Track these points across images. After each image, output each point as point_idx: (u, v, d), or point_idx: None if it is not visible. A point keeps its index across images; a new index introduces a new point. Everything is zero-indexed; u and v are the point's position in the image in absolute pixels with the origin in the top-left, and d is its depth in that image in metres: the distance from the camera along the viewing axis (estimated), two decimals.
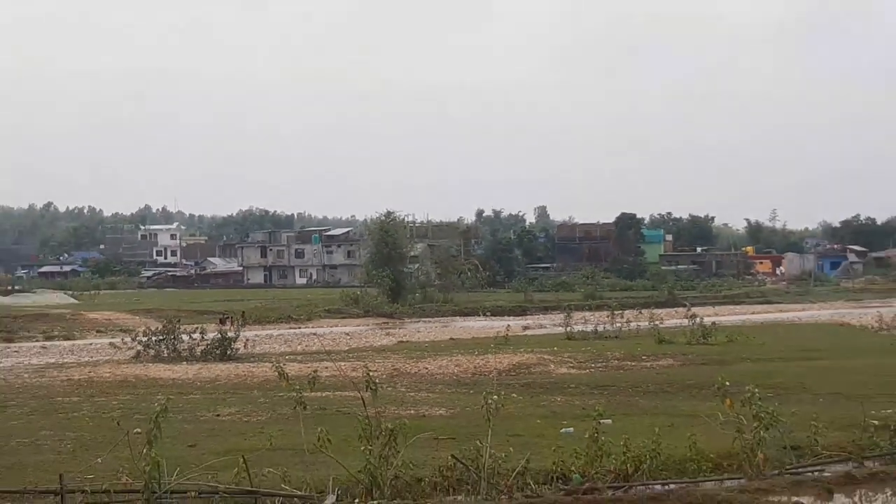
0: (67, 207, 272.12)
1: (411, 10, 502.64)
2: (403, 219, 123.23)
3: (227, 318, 60.80)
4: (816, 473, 16.90)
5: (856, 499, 15.25)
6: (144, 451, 15.08)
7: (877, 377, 29.86)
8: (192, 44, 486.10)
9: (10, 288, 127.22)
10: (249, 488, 15.63)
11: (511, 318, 77.61)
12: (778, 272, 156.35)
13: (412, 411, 23.86)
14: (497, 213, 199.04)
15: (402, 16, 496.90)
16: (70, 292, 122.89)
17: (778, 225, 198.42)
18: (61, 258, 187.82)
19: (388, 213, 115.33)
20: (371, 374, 21.69)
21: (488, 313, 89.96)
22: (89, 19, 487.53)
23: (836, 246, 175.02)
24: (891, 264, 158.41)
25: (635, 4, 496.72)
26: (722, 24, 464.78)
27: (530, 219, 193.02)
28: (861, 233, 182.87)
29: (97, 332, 70.90)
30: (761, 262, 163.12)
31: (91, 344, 61.61)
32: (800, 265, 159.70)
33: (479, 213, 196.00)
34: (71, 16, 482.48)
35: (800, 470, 17.27)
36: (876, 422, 19.86)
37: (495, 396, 18.77)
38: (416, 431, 19.31)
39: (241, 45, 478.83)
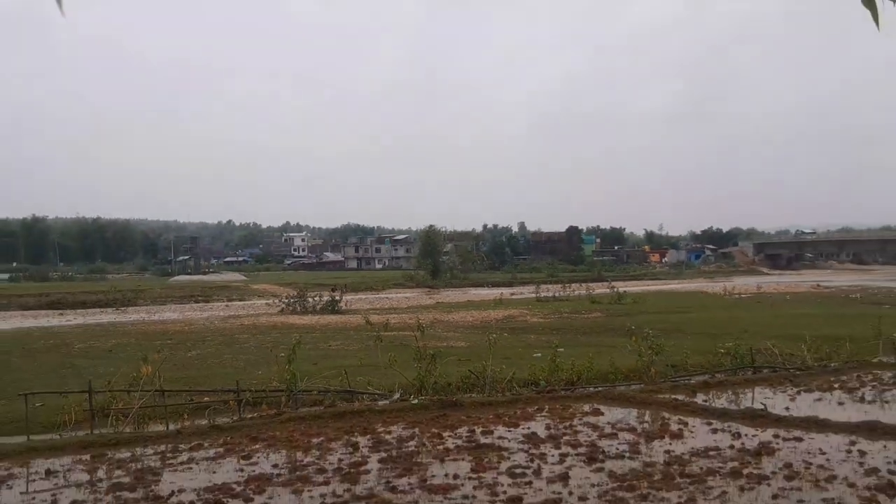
0: (241, 223, 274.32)
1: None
2: (438, 229, 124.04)
3: (335, 288, 60.88)
4: (686, 381, 16.85)
5: (709, 395, 15.19)
6: (286, 367, 15.18)
7: (722, 323, 29.82)
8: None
9: (206, 271, 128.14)
10: (349, 388, 15.69)
11: (503, 288, 77.43)
12: (663, 261, 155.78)
13: (445, 344, 23.89)
14: (495, 226, 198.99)
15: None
16: (242, 273, 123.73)
17: (664, 232, 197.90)
18: (237, 253, 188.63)
19: (430, 227, 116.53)
20: (420, 321, 21.75)
21: (490, 285, 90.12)
22: None
23: (698, 245, 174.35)
24: (731, 256, 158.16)
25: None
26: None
27: (515, 229, 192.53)
28: (713, 237, 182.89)
29: (258, 296, 71.22)
30: (654, 255, 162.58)
31: (255, 303, 61.88)
32: (677, 257, 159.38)
33: (485, 226, 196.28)
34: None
35: (676, 379, 17.24)
36: (722, 350, 19.81)
37: (494, 335, 18.81)
38: (447, 356, 19.37)
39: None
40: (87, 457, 11.00)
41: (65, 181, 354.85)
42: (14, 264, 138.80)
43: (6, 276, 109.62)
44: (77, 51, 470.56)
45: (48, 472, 10.14)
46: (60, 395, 14.48)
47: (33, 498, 8.99)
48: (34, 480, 9.86)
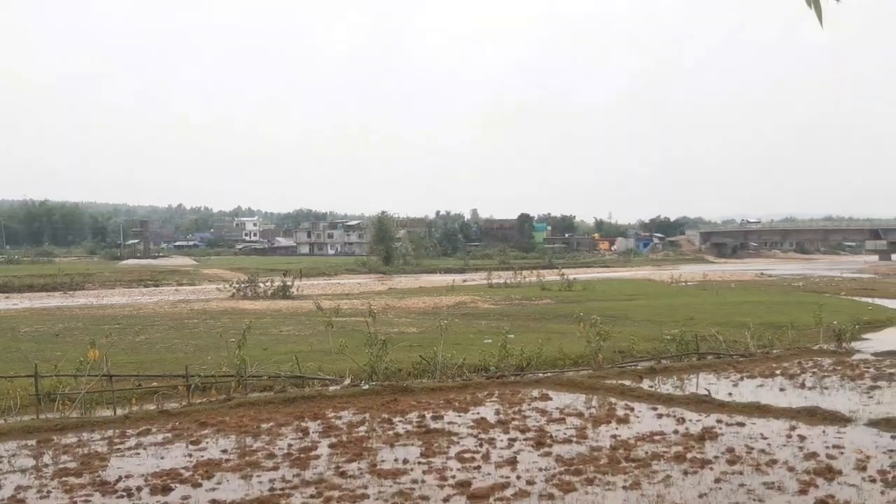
0: (192, 206, 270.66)
1: None
2: (391, 216, 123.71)
3: (287, 273, 60.32)
4: (633, 367, 17.04)
5: (655, 381, 15.39)
6: (236, 352, 15.05)
7: (668, 311, 30.16)
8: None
9: (156, 255, 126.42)
10: (299, 374, 15.60)
11: (456, 275, 77.44)
12: (613, 249, 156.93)
13: (396, 330, 23.84)
14: (448, 213, 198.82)
15: None
16: (193, 257, 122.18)
17: (613, 221, 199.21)
18: (188, 237, 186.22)
19: (383, 212, 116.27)
20: (371, 307, 21.69)
21: (442, 272, 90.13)
22: None
23: (646, 234, 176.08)
24: (678, 245, 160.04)
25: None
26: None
27: (467, 216, 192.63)
28: (661, 226, 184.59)
29: (209, 281, 70.34)
30: (603, 243, 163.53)
31: (205, 288, 61.17)
32: (625, 244, 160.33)
33: (437, 213, 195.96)
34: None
35: (623, 365, 17.42)
36: (668, 336, 20.09)
37: (445, 321, 18.87)
38: (398, 341, 19.38)
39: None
40: (33, 442, 10.81)
41: (10, 163, 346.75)
42: None
43: None
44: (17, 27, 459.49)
45: None
46: (6, 379, 14.19)
47: None
48: None
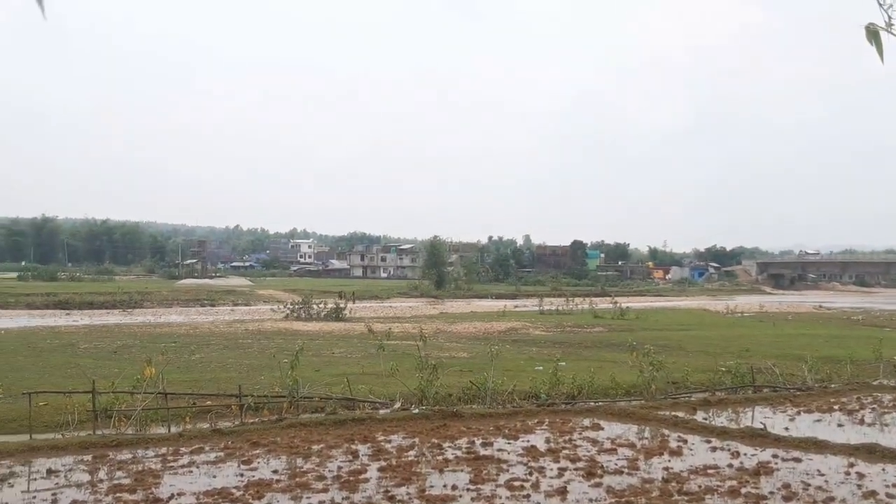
0: (248, 228, 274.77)
1: None
2: (444, 240, 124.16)
3: (342, 295, 60.79)
4: (687, 398, 16.78)
5: (709, 413, 15.13)
6: (289, 373, 15.17)
7: (723, 342, 29.71)
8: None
9: (213, 275, 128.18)
10: (350, 396, 15.66)
11: (507, 300, 77.29)
12: (667, 278, 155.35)
13: (447, 354, 23.83)
14: (500, 238, 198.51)
15: None
16: (248, 278, 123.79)
17: (667, 249, 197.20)
18: (244, 258, 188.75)
19: (435, 237, 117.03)
20: (423, 331, 21.75)
21: (493, 297, 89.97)
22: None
23: (701, 263, 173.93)
24: (734, 275, 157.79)
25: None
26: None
27: (519, 241, 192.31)
28: (717, 255, 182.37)
29: (263, 302, 71.09)
30: (657, 271, 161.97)
31: (260, 308, 61.83)
32: (680, 273, 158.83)
33: (490, 238, 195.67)
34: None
35: (677, 396, 17.18)
36: (723, 368, 19.75)
37: (496, 347, 18.79)
38: (449, 366, 19.37)
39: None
40: (89, 457, 10.98)
41: (75, 182, 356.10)
42: (23, 263, 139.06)
43: (14, 274, 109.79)
44: (85, 53, 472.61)
45: (49, 472, 10.12)
46: (64, 394, 14.47)
47: (34, 497, 8.98)
48: (35, 479, 9.84)
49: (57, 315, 52.46)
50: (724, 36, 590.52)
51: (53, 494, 9.03)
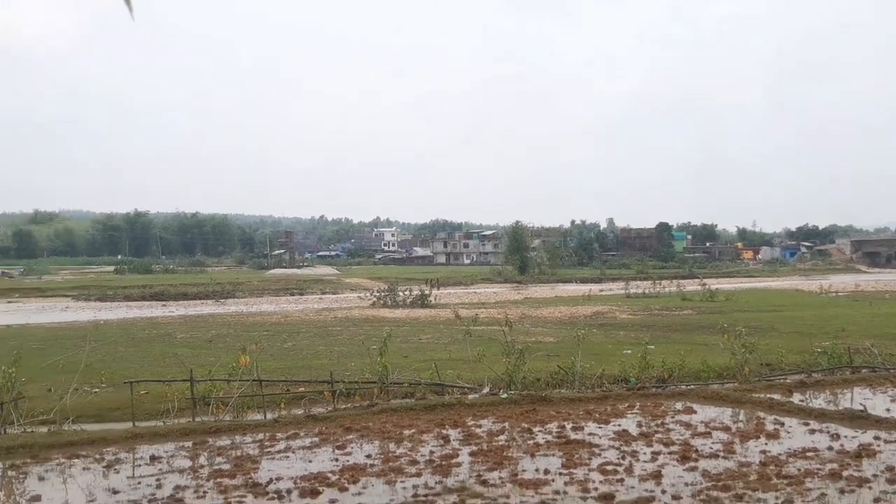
0: (333, 218, 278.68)
1: None
2: (526, 225, 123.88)
3: (433, 281, 61.08)
4: (782, 380, 16.38)
5: (806, 395, 14.75)
6: (378, 359, 15.33)
7: (818, 322, 28.90)
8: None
9: (301, 265, 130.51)
10: (439, 381, 15.75)
11: (592, 284, 76.62)
12: (757, 258, 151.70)
13: (533, 339, 23.74)
14: (583, 222, 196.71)
15: None
16: (335, 267, 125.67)
17: (757, 229, 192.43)
18: (330, 247, 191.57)
19: (517, 222, 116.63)
20: (508, 316, 21.74)
21: (578, 281, 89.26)
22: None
23: (793, 242, 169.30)
24: (828, 254, 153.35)
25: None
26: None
27: (603, 225, 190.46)
28: (808, 234, 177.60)
29: (350, 290, 72.06)
30: (746, 252, 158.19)
31: (347, 297, 62.69)
32: (771, 254, 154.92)
33: (572, 222, 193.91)
34: None
35: (771, 378, 16.78)
36: (819, 349, 19.16)
37: (583, 331, 18.62)
38: (535, 351, 19.28)
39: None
40: (189, 443, 11.31)
41: (165, 177, 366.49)
42: (119, 257, 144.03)
43: (112, 268, 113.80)
44: (174, 55, 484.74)
45: (153, 458, 10.47)
46: (164, 383, 14.93)
47: (139, 482, 9.30)
48: (140, 465, 10.20)
49: (153, 306, 54.14)
50: (812, 2, 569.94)
51: (157, 480, 9.34)
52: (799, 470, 9.18)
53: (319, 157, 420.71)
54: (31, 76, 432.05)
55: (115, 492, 8.90)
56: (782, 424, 11.88)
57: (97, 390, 15.83)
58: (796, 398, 14.37)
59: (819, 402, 14.24)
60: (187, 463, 10.25)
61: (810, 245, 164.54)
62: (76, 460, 10.46)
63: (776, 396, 14.37)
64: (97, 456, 10.62)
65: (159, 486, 9.04)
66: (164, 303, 58.56)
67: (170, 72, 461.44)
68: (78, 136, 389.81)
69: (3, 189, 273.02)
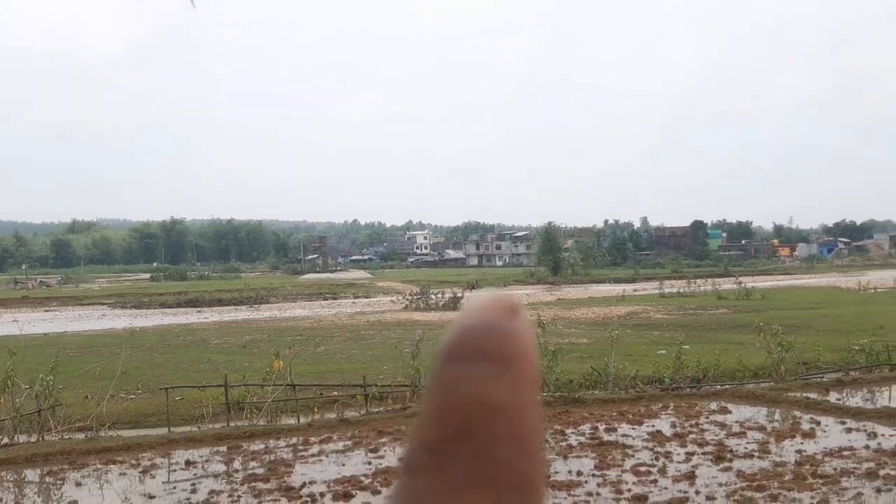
0: (366, 222, 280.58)
1: None
2: (558, 226, 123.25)
3: (470, 284, 60.90)
4: (818, 379, 16.19)
5: (843, 394, 14.57)
6: (411, 362, 15.38)
7: (856, 319, 28.50)
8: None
9: (334, 269, 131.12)
10: None
11: (626, 284, 76.10)
12: (794, 255, 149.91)
13: (566, 340, 23.68)
14: (616, 221, 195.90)
15: None
16: (368, 270, 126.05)
17: (793, 226, 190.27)
18: (363, 251, 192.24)
19: (550, 223, 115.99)
20: (541, 317, 21.68)
21: (611, 282, 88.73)
22: None
23: (830, 239, 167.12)
24: (866, 250, 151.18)
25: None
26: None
27: (636, 224, 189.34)
28: (846, 230, 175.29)
29: (383, 293, 72.19)
30: (783, 249, 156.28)
31: (380, 300, 62.84)
32: (807, 250, 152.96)
33: (605, 221, 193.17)
34: None
35: (808, 376, 16.59)
36: (856, 347, 18.93)
37: (616, 331, 18.54)
38: (569, 352, 19.21)
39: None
40: (224, 448, 11.43)
41: (200, 185, 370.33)
42: (155, 264, 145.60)
43: (147, 275, 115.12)
44: (209, 69, 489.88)
45: (188, 463, 10.60)
46: (198, 388, 15.09)
47: (174, 487, 9.42)
48: (175, 470, 10.33)
49: (188, 313, 54.65)
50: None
51: (192, 485, 9.45)
52: (835, 469, 9.08)
53: (354, 162, 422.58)
54: (77, 89, 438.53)
55: (151, 497, 9.03)
56: (818, 423, 11.75)
57: (133, 396, 16.04)
58: (833, 397, 14.21)
59: (856, 400, 14.06)
60: (222, 467, 10.37)
61: (848, 241, 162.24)
62: (112, 466, 10.61)
63: (812, 395, 14.22)
64: (133, 461, 10.77)
65: (194, 491, 9.15)
66: (198, 309, 59.05)
67: (209, 83, 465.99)
68: (126, 148, 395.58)
69: (42, 199, 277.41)
